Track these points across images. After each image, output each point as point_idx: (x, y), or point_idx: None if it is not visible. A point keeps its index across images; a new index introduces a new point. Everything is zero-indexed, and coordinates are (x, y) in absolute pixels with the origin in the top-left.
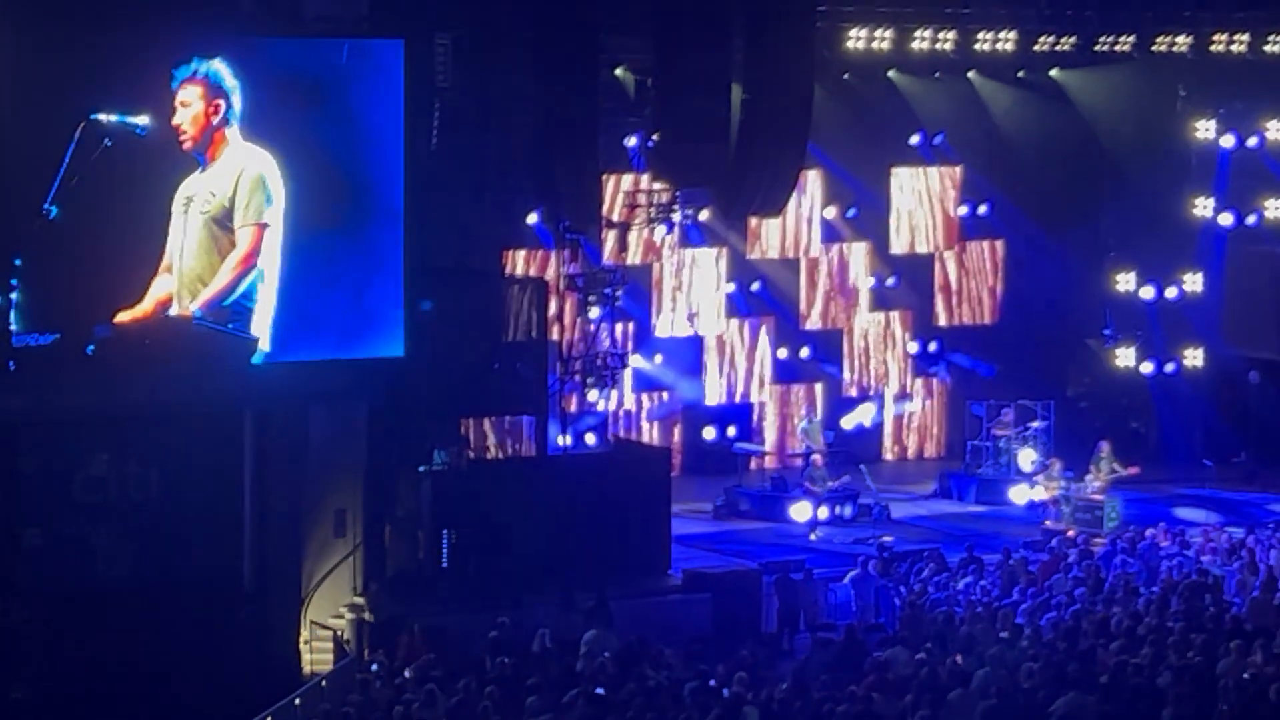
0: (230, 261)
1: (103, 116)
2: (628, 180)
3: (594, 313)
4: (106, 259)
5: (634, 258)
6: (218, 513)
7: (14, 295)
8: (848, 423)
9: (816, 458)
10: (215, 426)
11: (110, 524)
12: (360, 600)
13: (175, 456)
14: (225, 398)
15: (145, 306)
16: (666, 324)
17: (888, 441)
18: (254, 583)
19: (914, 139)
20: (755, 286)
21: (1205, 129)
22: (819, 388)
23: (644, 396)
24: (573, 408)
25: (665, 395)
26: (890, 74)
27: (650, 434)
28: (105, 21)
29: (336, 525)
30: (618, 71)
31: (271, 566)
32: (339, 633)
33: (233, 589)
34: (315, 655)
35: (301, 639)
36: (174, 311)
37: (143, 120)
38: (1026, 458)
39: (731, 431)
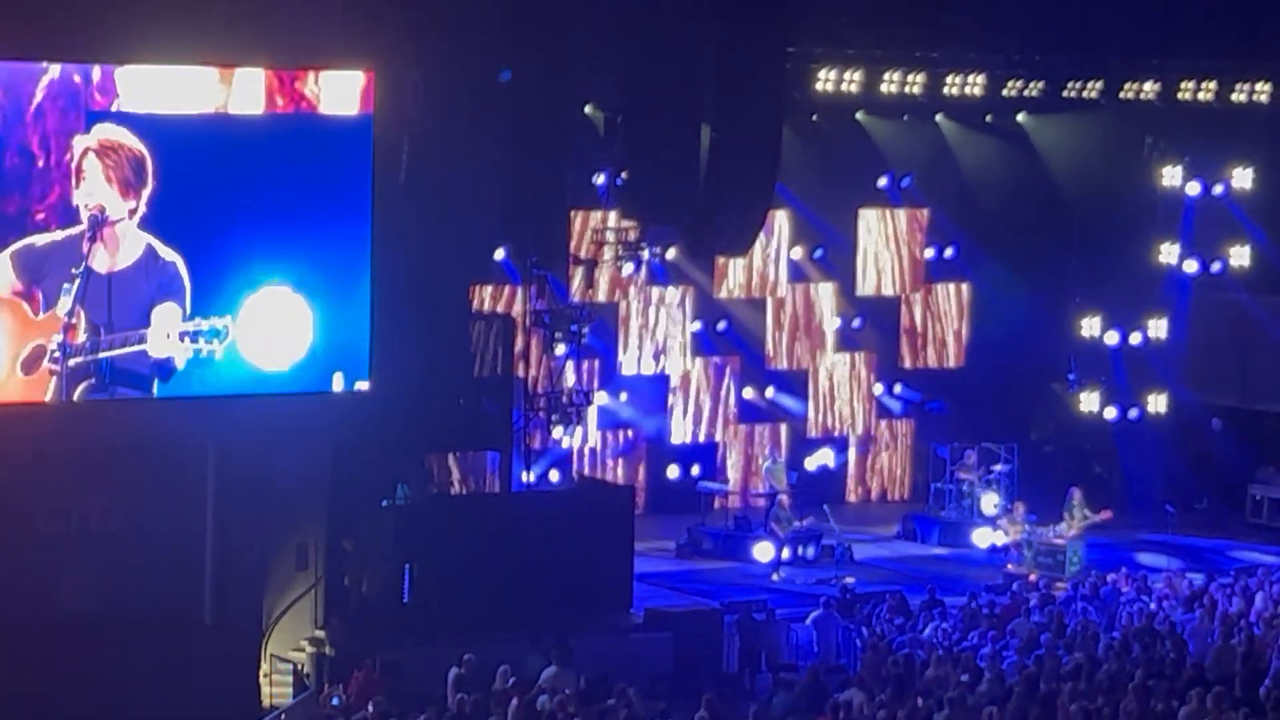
0: None
1: None
2: (596, 217)
3: (560, 349)
4: None
5: (601, 295)
6: (179, 545)
7: None
8: (811, 463)
9: (783, 498)
10: (178, 458)
11: (72, 555)
12: (321, 634)
13: (138, 488)
14: (189, 429)
15: None
16: (632, 362)
17: (851, 483)
18: (215, 615)
19: (881, 181)
20: (721, 325)
21: (1171, 176)
22: (783, 428)
23: (609, 434)
24: (537, 444)
25: (630, 433)
26: (859, 116)
27: (614, 472)
28: None
29: (298, 558)
30: (587, 109)
31: (232, 599)
32: (299, 666)
33: (193, 621)
34: (275, 688)
35: (261, 672)
36: None
37: None
38: (989, 501)
39: (695, 470)
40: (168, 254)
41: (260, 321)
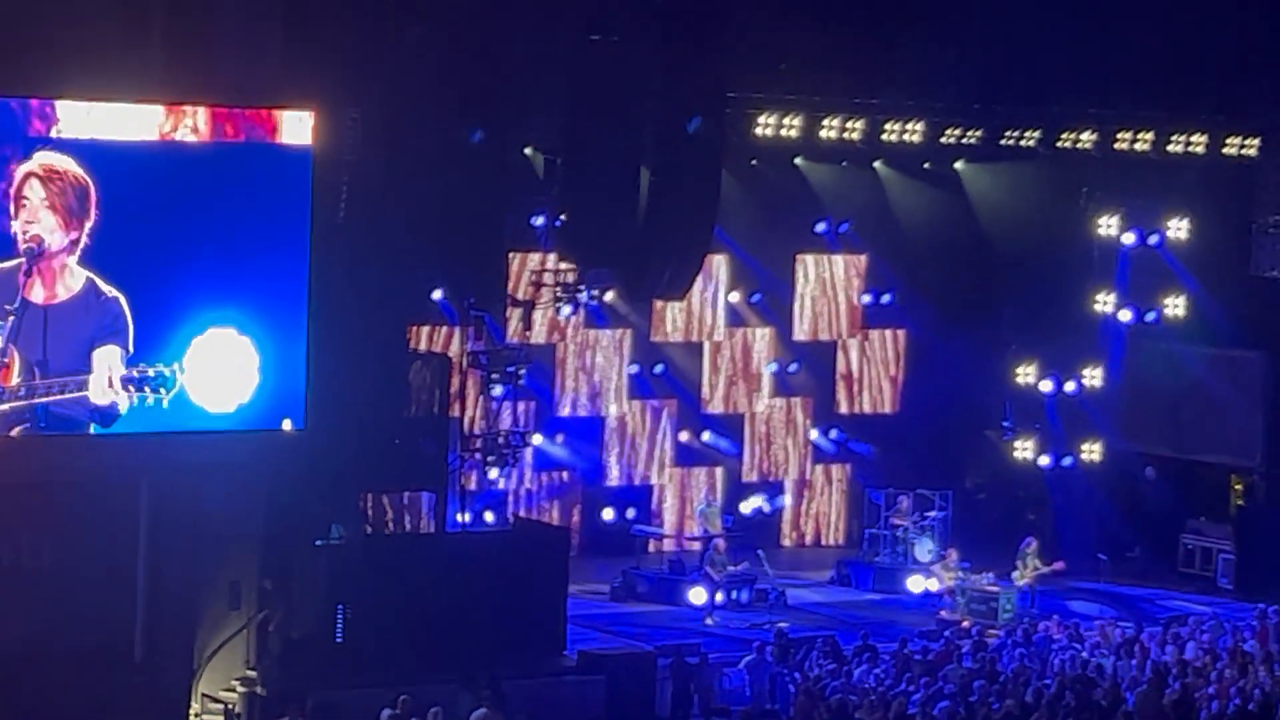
0: None
1: None
2: (534, 259)
3: (497, 390)
4: None
5: (538, 337)
6: (111, 581)
7: None
8: (746, 507)
9: (719, 542)
10: (111, 494)
11: (1, 590)
12: (252, 674)
13: (70, 523)
14: (122, 466)
15: None
16: (569, 403)
17: (786, 527)
18: (145, 653)
19: (820, 227)
20: (658, 369)
21: (1108, 225)
22: (719, 471)
23: (544, 475)
24: (473, 485)
25: (565, 475)
26: (798, 161)
27: (549, 513)
28: None
29: (231, 597)
30: (526, 150)
31: (164, 637)
32: (230, 706)
33: (124, 658)
34: None
35: (192, 711)
36: None
37: None
38: (923, 547)
39: (631, 513)
40: (109, 290)
41: (207, 366)
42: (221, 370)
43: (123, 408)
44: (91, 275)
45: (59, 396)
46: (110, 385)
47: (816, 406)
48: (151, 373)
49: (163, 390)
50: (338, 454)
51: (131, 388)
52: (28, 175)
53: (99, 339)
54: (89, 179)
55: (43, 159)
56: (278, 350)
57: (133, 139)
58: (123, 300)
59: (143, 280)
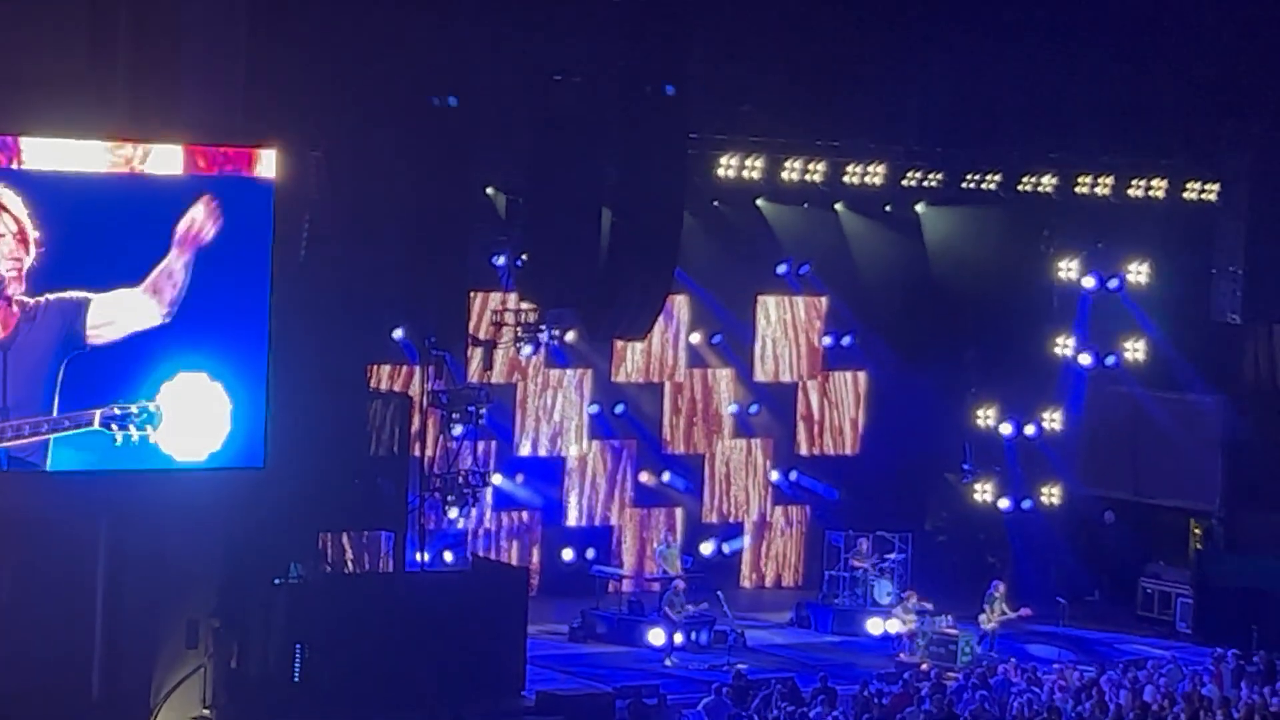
0: None
1: None
2: (495, 298)
3: (457, 430)
4: None
5: (499, 376)
6: (68, 619)
7: None
8: (706, 549)
9: (679, 583)
10: (69, 532)
11: None
12: (208, 713)
13: (27, 561)
14: (80, 504)
15: None
16: (529, 443)
17: (746, 569)
18: (102, 692)
19: (781, 268)
20: (619, 409)
21: (1068, 269)
22: (679, 512)
23: (504, 515)
24: (432, 524)
25: (525, 515)
26: (760, 203)
27: (509, 553)
28: None
29: (189, 636)
30: (488, 190)
31: (121, 676)
32: None
33: (81, 696)
34: None
35: None
36: None
37: None
38: (883, 590)
39: (590, 553)
40: (70, 294)
41: (177, 413)
42: (192, 417)
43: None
44: (45, 295)
45: (29, 440)
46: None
47: (777, 448)
48: (134, 409)
49: (148, 428)
50: (297, 493)
51: (114, 426)
52: None
53: (60, 354)
54: (24, 209)
55: None
56: (250, 396)
57: (98, 170)
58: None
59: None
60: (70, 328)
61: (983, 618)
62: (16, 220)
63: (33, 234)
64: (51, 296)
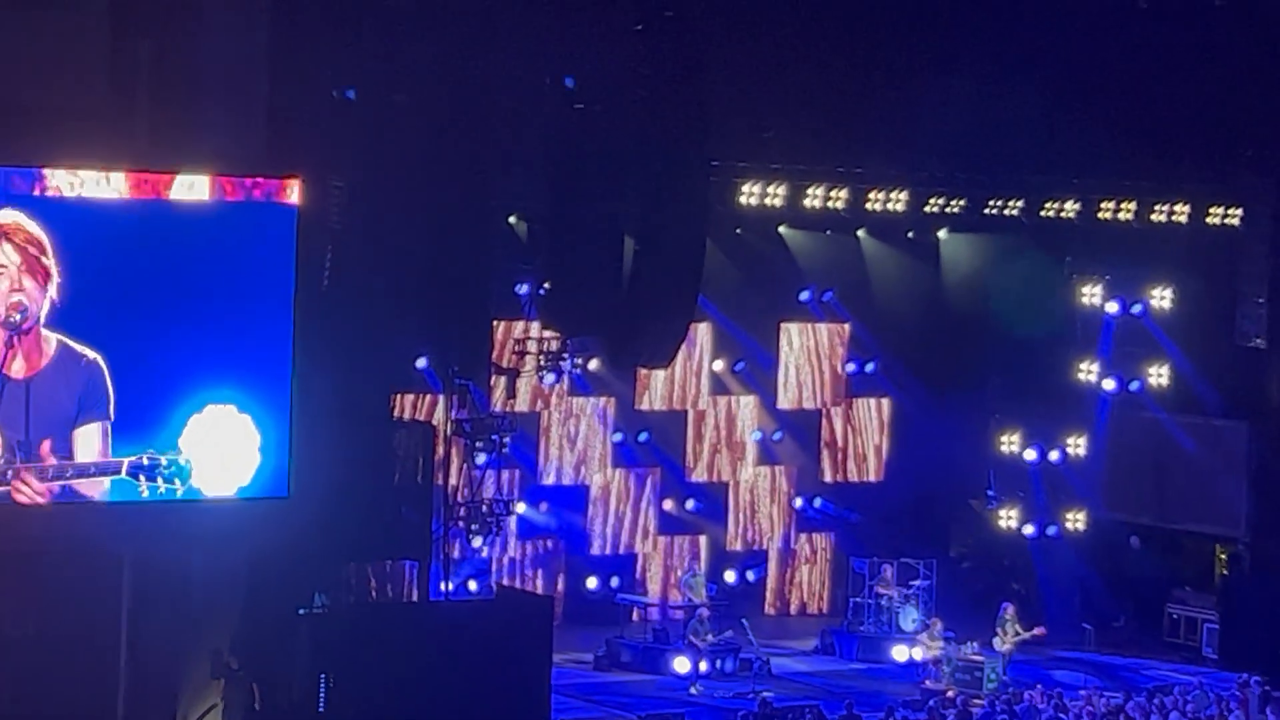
0: None
1: None
2: (518, 327)
3: (481, 459)
4: None
5: (522, 405)
6: (93, 651)
7: None
8: (730, 576)
9: (703, 611)
10: (94, 563)
11: None
12: None
13: (52, 593)
14: (105, 535)
15: None
16: (553, 472)
17: (770, 596)
18: None
19: (804, 295)
20: (642, 437)
21: (1091, 294)
22: (703, 540)
23: (528, 544)
24: (456, 553)
25: (549, 543)
26: (782, 230)
27: (533, 582)
28: None
29: (214, 666)
30: (511, 219)
31: (146, 707)
32: None
33: None
34: None
35: None
36: None
37: None
38: (908, 617)
39: (615, 582)
40: (86, 353)
41: (206, 447)
42: (221, 452)
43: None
44: (62, 338)
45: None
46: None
47: (800, 475)
48: (164, 461)
49: (176, 481)
50: (321, 522)
51: (142, 477)
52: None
53: (81, 416)
54: (44, 237)
55: (9, 217)
56: (277, 427)
57: (120, 196)
58: (103, 363)
59: (126, 346)
60: (92, 382)
61: (997, 641)
62: (39, 249)
63: (54, 265)
64: (75, 346)
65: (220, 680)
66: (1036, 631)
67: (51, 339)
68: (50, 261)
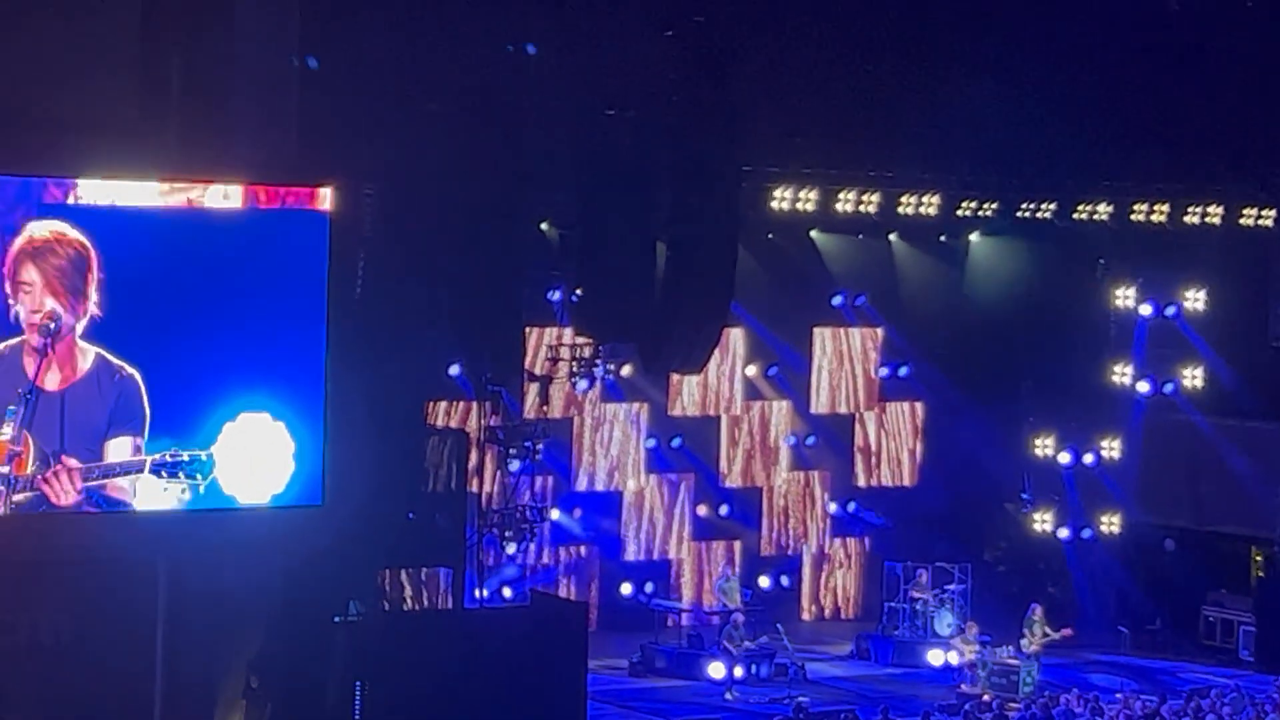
0: None
1: None
2: (551, 334)
3: (514, 465)
4: None
5: (555, 411)
6: (129, 660)
7: None
8: (765, 581)
9: (738, 616)
10: (128, 572)
11: (20, 669)
12: None
13: (88, 602)
14: (139, 543)
15: None
16: (586, 478)
17: (805, 601)
18: None
19: (836, 300)
20: (675, 442)
21: (1124, 297)
22: (737, 545)
23: (562, 550)
24: (490, 560)
25: (583, 549)
26: (814, 234)
27: (567, 588)
28: None
29: (249, 674)
30: (543, 225)
31: (182, 714)
32: None
33: None
34: None
35: None
36: None
37: None
38: (943, 621)
39: (649, 587)
40: (123, 367)
41: (240, 454)
42: (255, 459)
43: (140, 498)
44: (101, 351)
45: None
46: (140, 474)
47: (834, 479)
48: (186, 457)
49: (198, 476)
50: (355, 530)
51: (164, 473)
52: (31, 249)
53: (111, 429)
54: (90, 247)
55: (49, 227)
56: (311, 435)
57: (156, 204)
58: (138, 378)
59: (161, 357)
60: (125, 396)
61: (1024, 641)
62: (82, 260)
63: (96, 276)
64: (113, 360)
65: (255, 689)
66: (1064, 632)
67: (89, 351)
68: (94, 274)
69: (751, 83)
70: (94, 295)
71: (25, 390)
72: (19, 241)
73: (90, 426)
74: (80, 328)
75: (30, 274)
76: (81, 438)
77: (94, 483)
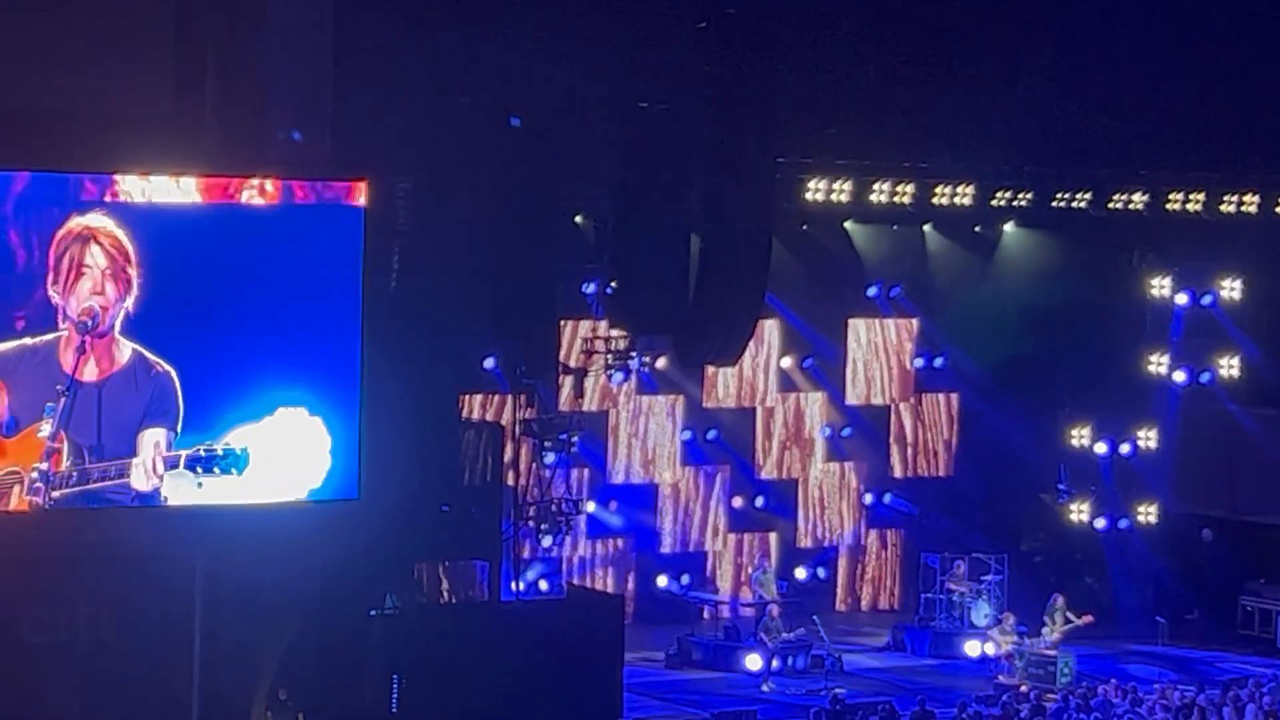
0: None
1: None
2: (585, 326)
3: (549, 458)
4: None
5: (590, 404)
6: (167, 655)
7: None
8: (801, 573)
9: (773, 608)
10: (166, 567)
11: (59, 665)
12: None
13: (127, 597)
14: (177, 538)
15: None
16: (621, 470)
17: (841, 593)
18: None
19: (871, 291)
20: (711, 434)
21: (1160, 286)
22: (773, 537)
23: (598, 543)
24: (526, 553)
25: (619, 542)
26: (848, 225)
27: (603, 581)
28: None
29: (286, 668)
30: (577, 218)
31: (220, 709)
32: None
33: None
34: None
35: None
36: None
37: None
38: (980, 612)
39: (685, 579)
40: (159, 364)
41: (276, 450)
42: (292, 455)
43: (167, 492)
44: (137, 347)
45: (106, 483)
46: (154, 470)
47: (870, 471)
48: (219, 450)
49: (234, 471)
50: (391, 524)
51: (199, 469)
52: (74, 244)
53: (146, 420)
54: (129, 243)
55: (89, 224)
56: (348, 431)
57: (194, 201)
58: (174, 375)
59: (198, 352)
60: (159, 390)
61: (1045, 630)
62: (124, 257)
63: (137, 272)
64: (149, 356)
65: (294, 684)
66: (1085, 619)
67: (127, 347)
68: (134, 270)
69: (785, 74)
70: (132, 294)
71: (64, 386)
72: (60, 235)
73: (125, 421)
74: (119, 323)
75: (72, 268)
76: (117, 430)
77: (115, 480)
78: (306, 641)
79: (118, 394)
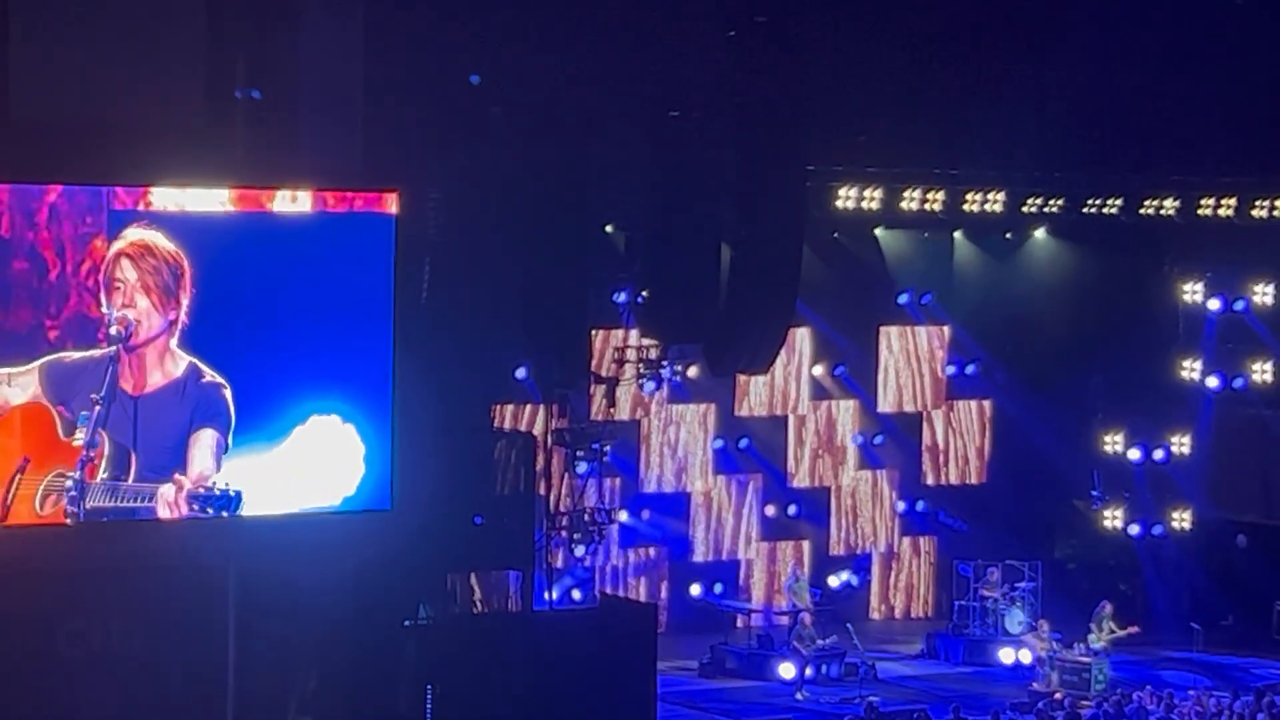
0: None
1: None
2: (617, 336)
3: (581, 468)
4: None
5: (622, 413)
6: (201, 667)
7: None
8: (834, 581)
9: (806, 616)
10: (200, 579)
11: (93, 677)
12: None
13: (160, 610)
14: (209, 549)
15: None
16: (654, 479)
17: (874, 600)
18: None
19: (902, 298)
20: (743, 443)
21: (1193, 292)
22: (805, 545)
23: (630, 552)
24: (559, 563)
25: (652, 551)
26: (879, 233)
27: (636, 590)
28: None
29: (320, 678)
30: (608, 227)
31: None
32: None
33: None
34: None
35: None
36: None
37: None
38: (1014, 619)
39: (718, 588)
40: (213, 376)
41: (309, 457)
42: (326, 462)
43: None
44: (195, 360)
45: (135, 505)
46: (176, 505)
47: (902, 478)
48: (217, 491)
49: (224, 513)
50: (424, 534)
51: (195, 505)
52: (117, 256)
53: (195, 423)
54: (182, 255)
55: (131, 236)
56: (380, 438)
57: (226, 209)
58: (227, 390)
59: (244, 362)
60: (206, 397)
61: (1091, 638)
62: (173, 270)
63: (189, 285)
64: (204, 368)
65: (327, 693)
66: (1131, 629)
67: (183, 360)
68: (185, 279)
69: (815, 82)
70: (184, 304)
71: (100, 396)
72: (93, 247)
73: (169, 432)
74: (175, 335)
75: (118, 283)
76: (159, 443)
77: (142, 504)
78: (340, 652)
79: (159, 406)
